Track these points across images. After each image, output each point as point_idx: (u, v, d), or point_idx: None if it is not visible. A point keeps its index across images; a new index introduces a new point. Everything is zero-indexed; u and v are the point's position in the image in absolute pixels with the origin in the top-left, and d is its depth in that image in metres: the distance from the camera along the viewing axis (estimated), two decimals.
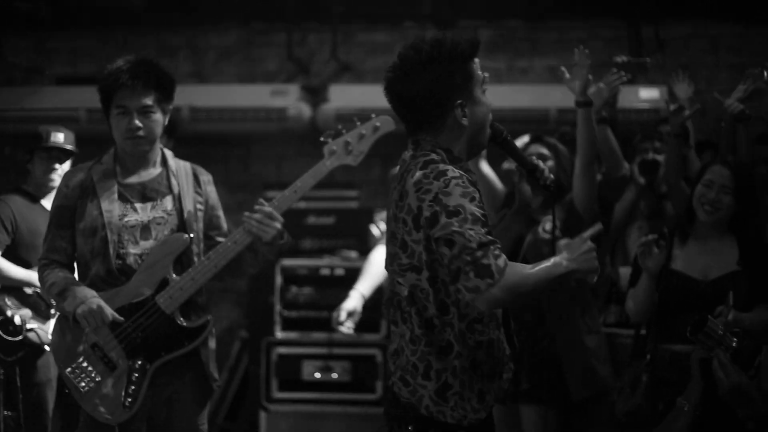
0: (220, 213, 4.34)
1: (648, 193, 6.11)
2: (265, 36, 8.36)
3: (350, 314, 5.35)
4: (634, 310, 4.83)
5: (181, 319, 4.08)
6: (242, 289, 7.69)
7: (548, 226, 5.09)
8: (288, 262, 6.75)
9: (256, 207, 4.11)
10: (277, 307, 6.65)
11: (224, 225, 4.31)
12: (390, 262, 3.29)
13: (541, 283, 3.06)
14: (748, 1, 7.67)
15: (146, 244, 4.08)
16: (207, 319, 4.17)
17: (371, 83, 7.94)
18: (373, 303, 6.11)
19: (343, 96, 7.69)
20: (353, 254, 6.73)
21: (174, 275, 4.05)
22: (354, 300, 5.34)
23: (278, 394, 6.53)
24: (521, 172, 3.64)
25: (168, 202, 4.14)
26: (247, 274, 4.33)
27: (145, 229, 4.09)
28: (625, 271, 5.36)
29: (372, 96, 7.43)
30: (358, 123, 4.30)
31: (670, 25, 7.92)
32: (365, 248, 6.47)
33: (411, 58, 3.20)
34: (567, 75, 5.17)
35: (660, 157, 6.08)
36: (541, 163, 3.52)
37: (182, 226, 4.11)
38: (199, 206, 4.21)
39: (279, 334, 6.61)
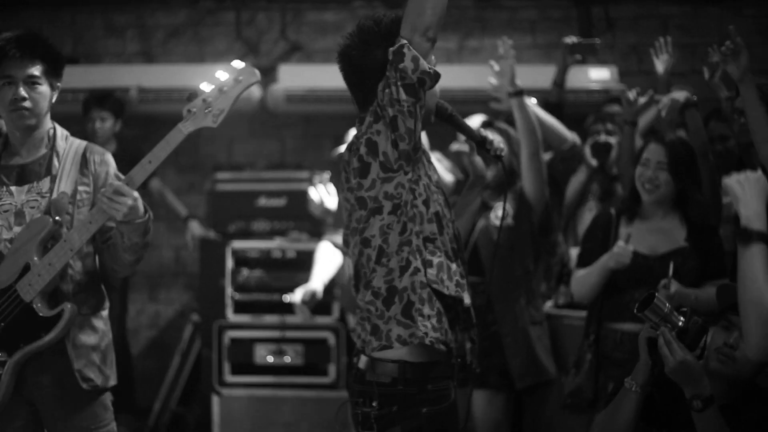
0: None
1: (600, 175, 6.13)
2: (214, 15, 8.28)
3: (311, 295, 5.31)
4: (581, 292, 4.85)
5: (39, 306, 3.74)
6: (193, 272, 7.64)
7: (500, 212, 5.10)
8: (239, 244, 6.70)
9: (108, 182, 3.73)
10: (229, 290, 6.60)
11: None
12: (353, 234, 3.35)
13: None
14: None
15: (18, 230, 3.81)
16: (62, 309, 3.74)
17: (321, 63, 7.92)
18: (325, 286, 6.11)
19: (293, 76, 7.64)
20: (305, 236, 6.69)
21: (36, 260, 3.74)
22: (314, 283, 5.31)
23: (231, 378, 6.50)
24: (471, 146, 3.65)
25: (45, 185, 3.84)
26: (126, 261, 3.83)
27: (19, 213, 3.82)
28: (576, 253, 5.38)
29: (322, 76, 7.52)
30: (221, 78, 3.68)
31: (620, 5, 7.95)
32: (317, 230, 6.46)
33: (370, 29, 3.28)
34: (496, 68, 5.21)
35: (612, 139, 6.10)
36: (489, 134, 3.55)
37: (49, 208, 3.80)
38: (84, 188, 3.83)
39: (231, 318, 6.57)
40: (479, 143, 3.53)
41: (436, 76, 3.18)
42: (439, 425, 3.29)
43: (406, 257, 3.26)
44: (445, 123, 3.50)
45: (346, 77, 3.35)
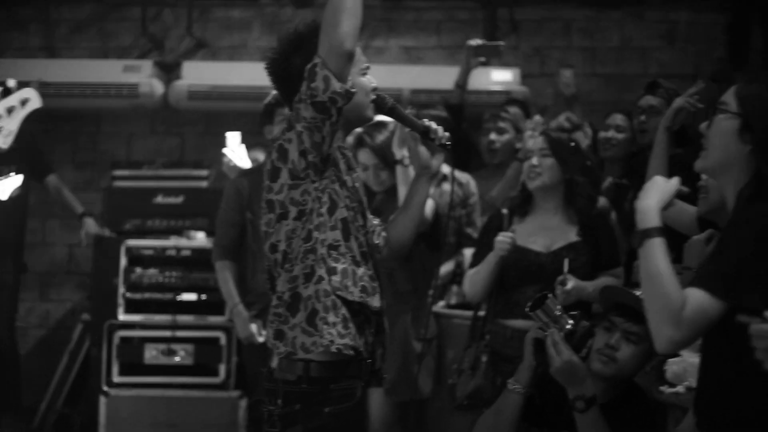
0: None
1: None
2: (119, 10, 8.17)
3: None
4: (473, 290, 4.84)
5: None
6: (87, 271, 7.51)
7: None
8: (133, 242, 6.58)
9: None
10: (121, 289, 6.48)
11: None
12: (266, 237, 3.36)
13: None
14: None
15: None
16: None
17: (226, 60, 7.87)
18: (216, 284, 6.04)
19: (196, 73, 7.61)
20: (200, 235, 6.60)
21: None
22: None
23: (119, 379, 6.39)
24: (414, 137, 3.62)
25: None
26: None
27: None
28: (469, 252, 5.38)
29: (225, 73, 7.48)
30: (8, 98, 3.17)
31: (525, 8, 7.99)
32: (214, 229, 6.37)
33: (287, 38, 3.35)
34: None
35: (502, 138, 6.13)
36: (432, 123, 3.51)
37: None
38: None
39: (121, 317, 6.45)
40: (423, 133, 3.51)
41: (348, 95, 3.19)
42: (343, 424, 3.29)
43: (310, 265, 3.28)
44: (386, 115, 3.50)
45: (276, 87, 3.43)
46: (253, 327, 5.38)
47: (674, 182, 2.84)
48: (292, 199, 3.29)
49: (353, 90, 3.21)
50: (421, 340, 5.25)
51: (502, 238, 4.65)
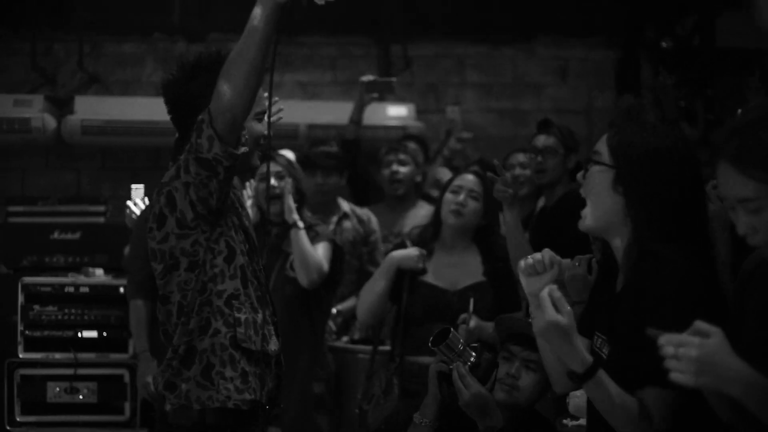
0: None
1: None
2: (8, 44, 8.04)
3: None
4: (364, 301, 4.86)
5: None
6: None
7: None
8: (30, 279, 6.49)
9: None
10: (20, 327, 6.38)
11: None
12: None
13: (254, 37, 3.01)
14: (492, 23, 7.97)
15: None
16: None
17: (119, 95, 7.82)
18: (120, 321, 6.01)
19: (89, 108, 7.51)
20: (99, 271, 6.54)
21: None
22: None
23: (21, 418, 6.27)
24: None
25: None
26: None
27: None
28: None
29: (118, 108, 7.42)
30: None
31: (418, 44, 8.11)
32: (113, 265, 6.34)
33: (188, 62, 3.33)
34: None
35: (404, 169, 6.21)
36: None
37: None
38: None
39: (22, 355, 6.34)
40: None
41: (232, 157, 3.10)
42: None
43: (206, 317, 3.22)
44: None
45: (170, 112, 3.36)
46: (151, 378, 5.28)
47: (558, 288, 2.56)
48: (183, 249, 3.20)
49: (238, 153, 3.13)
50: (320, 380, 5.28)
51: (413, 250, 4.71)
